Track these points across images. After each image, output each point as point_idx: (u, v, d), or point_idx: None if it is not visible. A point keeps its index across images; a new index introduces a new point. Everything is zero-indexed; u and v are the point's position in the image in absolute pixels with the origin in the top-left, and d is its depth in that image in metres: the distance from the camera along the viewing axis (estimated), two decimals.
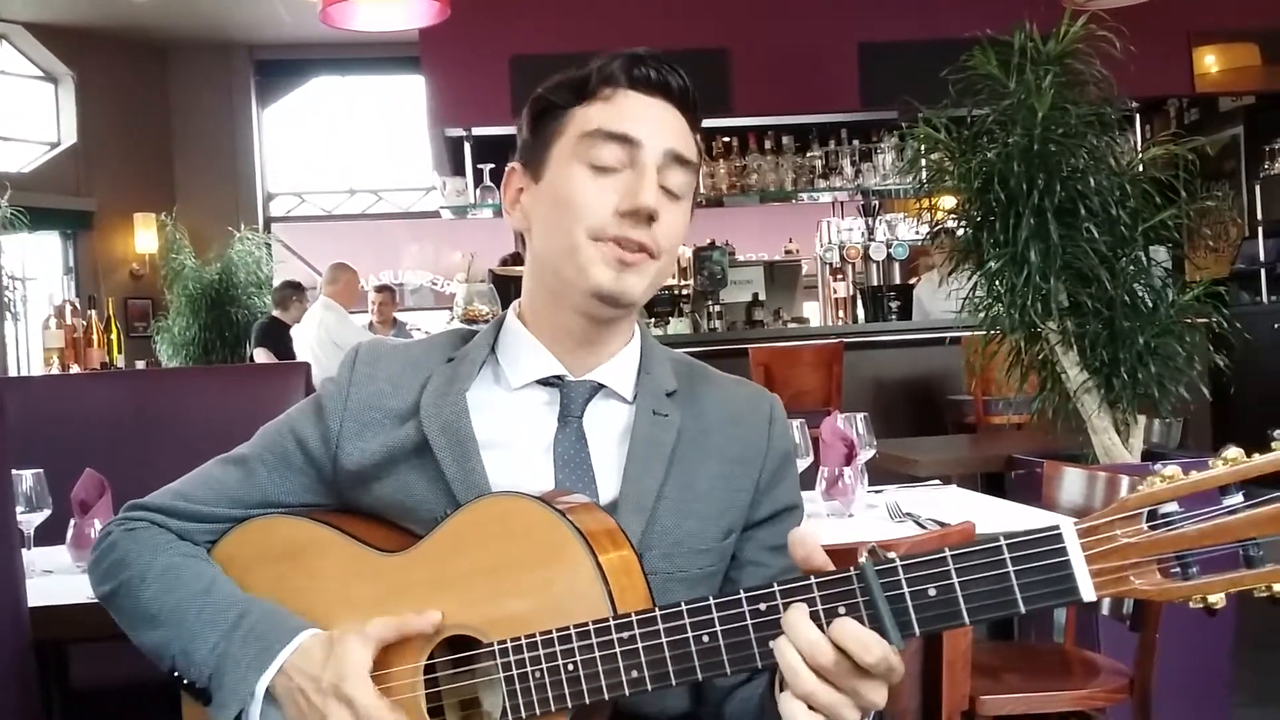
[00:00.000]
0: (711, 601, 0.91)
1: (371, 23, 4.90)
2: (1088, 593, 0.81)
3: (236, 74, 9.53)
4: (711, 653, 0.91)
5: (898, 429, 5.03)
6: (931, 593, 0.85)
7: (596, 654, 0.94)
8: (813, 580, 0.88)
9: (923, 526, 1.93)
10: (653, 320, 6.35)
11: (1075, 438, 3.06)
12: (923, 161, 3.29)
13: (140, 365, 7.06)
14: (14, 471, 1.70)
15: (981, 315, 3.07)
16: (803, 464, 1.92)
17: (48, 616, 1.49)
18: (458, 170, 6.50)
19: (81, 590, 1.46)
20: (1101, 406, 2.98)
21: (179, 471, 1.22)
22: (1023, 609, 0.83)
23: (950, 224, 3.21)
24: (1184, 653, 2.59)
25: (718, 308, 6.67)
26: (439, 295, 10.80)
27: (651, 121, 1.13)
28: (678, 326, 6.40)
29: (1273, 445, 0.79)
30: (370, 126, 10.47)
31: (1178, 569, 0.82)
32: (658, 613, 0.93)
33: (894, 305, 6.62)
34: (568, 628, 0.95)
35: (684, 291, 7.01)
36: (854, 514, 2.09)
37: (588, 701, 0.95)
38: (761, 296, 7.10)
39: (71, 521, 1.88)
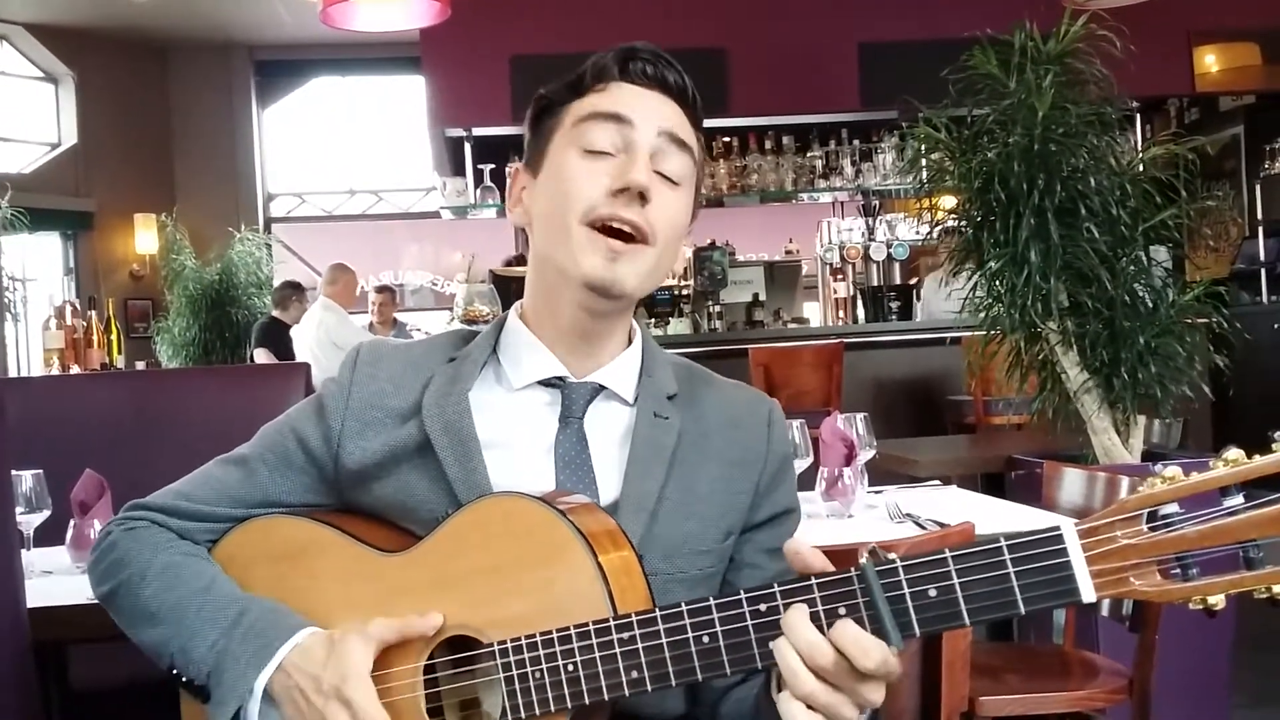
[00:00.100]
0: (712, 602, 0.91)
1: (371, 23, 4.90)
2: (1088, 594, 0.81)
3: (236, 74, 9.53)
4: (712, 653, 0.91)
5: (898, 429, 5.02)
6: (932, 593, 0.85)
7: (596, 654, 0.94)
8: (813, 581, 0.88)
9: (923, 527, 1.92)
10: (653, 321, 6.35)
11: (1075, 438, 3.06)
12: (923, 161, 3.29)
13: (140, 366, 7.06)
14: (14, 472, 1.70)
15: (981, 315, 3.07)
16: (803, 464, 1.93)
17: (47, 617, 1.49)
18: (458, 170, 6.50)
19: (81, 591, 1.46)
20: (1101, 407, 2.98)
21: (179, 472, 1.22)
22: (1023, 610, 0.83)
23: (951, 224, 3.21)
24: (1183, 654, 2.58)
25: (718, 308, 6.66)
26: (439, 296, 10.80)
27: (646, 105, 1.14)
28: (678, 327, 6.40)
29: (1273, 446, 0.79)
30: (370, 127, 10.47)
31: (1178, 570, 0.82)
32: (658, 613, 0.93)
33: (894, 305, 6.61)
34: (568, 628, 0.95)
35: (684, 292, 7.00)
36: (854, 514, 2.09)
37: (587, 702, 0.95)
38: (762, 297, 7.09)
39: (71, 522, 1.88)
